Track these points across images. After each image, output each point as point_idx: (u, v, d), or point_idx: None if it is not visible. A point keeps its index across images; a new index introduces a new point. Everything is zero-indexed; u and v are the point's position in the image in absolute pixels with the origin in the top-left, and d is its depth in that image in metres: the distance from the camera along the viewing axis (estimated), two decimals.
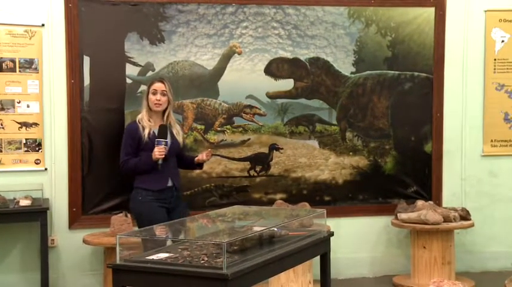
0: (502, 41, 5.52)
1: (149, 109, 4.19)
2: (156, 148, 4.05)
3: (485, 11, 5.50)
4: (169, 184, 4.16)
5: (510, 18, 5.51)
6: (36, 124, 4.87)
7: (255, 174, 5.24)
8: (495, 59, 5.53)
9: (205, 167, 5.09)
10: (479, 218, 5.41)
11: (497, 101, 5.54)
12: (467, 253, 5.52)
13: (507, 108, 5.55)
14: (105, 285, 4.65)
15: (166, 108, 4.20)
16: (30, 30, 4.84)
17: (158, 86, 4.18)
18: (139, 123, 4.17)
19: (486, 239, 5.56)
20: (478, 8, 5.48)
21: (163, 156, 4.05)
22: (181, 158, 4.31)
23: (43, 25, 4.87)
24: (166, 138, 4.10)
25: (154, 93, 4.17)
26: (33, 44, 4.85)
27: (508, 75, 5.53)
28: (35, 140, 4.88)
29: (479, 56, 5.52)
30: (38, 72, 4.86)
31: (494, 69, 5.53)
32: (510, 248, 5.48)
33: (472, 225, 5.13)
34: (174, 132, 4.22)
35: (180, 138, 4.24)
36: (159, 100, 4.16)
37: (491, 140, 5.56)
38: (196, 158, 4.29)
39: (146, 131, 4.12)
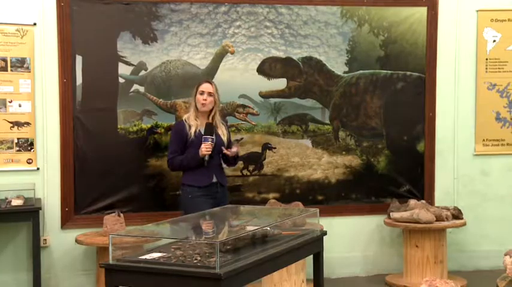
0: (494, 41, 5.54)
1: (196, 109, 4.34)
2: (203, 144, 4.23)
3: (477, 11, 5.52)
4: (214, 180, 4.34)
5: (502, 18, 5.54)
6: (28, 124, 4.85)
7: (248, 173, 5.24)
8: (487, 59, 5.55)
9: None
10: (471, 217, 5.43)
11: (489, 101, 5.56)
12: (460, 252, 5.55)
13: (499, 107, 5.58)
14: (98, 285, 4.64)
15: (212, 109, 4.35)
16: (22, 29, 4.82)
17: (206, 87, 4.35)
18: (186, 121, 4.34)
19: (478, 238, 5.58)
20: (470, 7, 5.51)
21: (210, 152, 4.23)
22: (225, 156, 4.42)
23: (35, 24, 4.84)
24: (212, 135, 4.26)
25: (202, 94, 4.34)
26: (25, 43, 4.83)
27: (499, 74, 5.55)
28: (27, 140, 4.86)
29: (471, 56, 5.54)
30: (29, 72, 4.84)
31: (486, 68, 5.55)
32: (502, 246, 5.48)
33: (464, 224, 5.15)
34: (219, 132, 4.37)
35: (224, 139, 4.39)
36: (206, 100, 4.32)
37: (483, 140, 5.58)
38: (223, 151, 4.35)
39: (193, 130, 4.30)
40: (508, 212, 5.62)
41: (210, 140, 4.23)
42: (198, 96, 4.35)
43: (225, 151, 4.33)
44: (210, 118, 4.36)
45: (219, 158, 4.42)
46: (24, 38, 4.83)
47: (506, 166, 5.62)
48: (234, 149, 4.37)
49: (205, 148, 4.22)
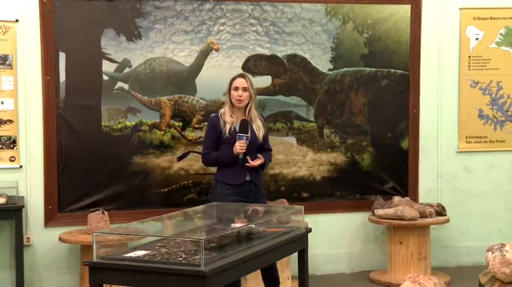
0: (476, 39, 5.59)
1: (231, 105, 4.24)
2: (237, 142, 4.12)
3: (460, 9, 5.56)
4: (247, 178, 4.23)
5: (484, 16, 5.58)
6: (10, 121, 4.80)
7: None
8: (470, 56, 5.59)
9: (183, 164, 5.09)
10: (455, 213, 5.48)
11: (472, 98, 5.61)
12: (443, 248, 5.59)
13: (481, 105, 5.63)
14: (82, 283, 4.61)
15: (248, 103, 4.24)
16: (4, 25, 4.77)
17: (240, 82, 4.24)
18: (221, 117, 4.23)
19: (461, 234, 5.63)
20: (452, 5, 5.55)
21: (244, 151, 4.13)
22: (262, 153, 4.32)
23: (17, 20, 4.80)
24: (247, 133, 4.16)
25: (236, 89, 4.22)
26: (7, 40, 4.78)
27: (482, 72, 5.60)
28: (10, 137, 4.81)
29: (454, 53, 5.58)
30: (12, 69, 4.80)
31: (469, 66, 5.60)
32: (484, 243, 5.54)
33: (448, 221, 5.20)
34: (255, 127, 4.27)
35: (260, 134, 4.28)
36: (241, 96, 4.21)
37: (466, 137, 5.63)
38: (246, 164, 4.21)
39: (227, 127, 4.19)
40: (490, 208, 5.67)
41: (244, 138, 4.12)
42: (233, 92, 4.22)
43: (247, 164, 4.17)
44: (247, 113, 4.25)
45: (255, 156, 4.26)
46: (7, 35, 4.78)
47: (488, 162, 5.67)
48: (258, 162, 4.22)
49: (240, 146, 4.12)
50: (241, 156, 4.16)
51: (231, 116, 4.23)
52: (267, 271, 4.07)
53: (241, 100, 4.21)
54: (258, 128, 4.29)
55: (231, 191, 4.19)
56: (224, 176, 4.23)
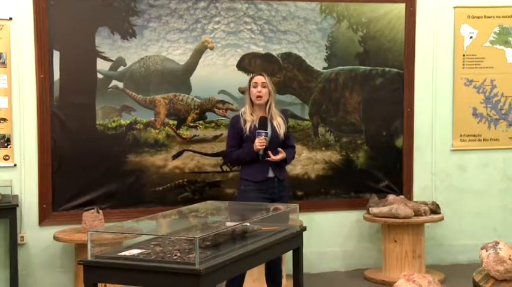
0: (471, 37, 5.60)
1: (251, 103, 4.29)
2: (256, 139, 4.16)
3: (454, 8, 5.57)
4: (271, 175, 4.24)
5: (478, 15, 5.60)
6: (4, 120, 4.79)
7: (228, 169, 5.23)
8: (464, 55, 5.61)
9: (178, 162, 5.09)
10: (449, 211, 5.50)
11: (466, 96, 5.63)
12: (437, 246, 5.61)
13: (476, 103, 5.65)
14: (77, 282, 4.60)
15: (268, 101, 4.28)
16: None
17: (258, 79, 4.29)
18: (242, 116, 4.28)
19: (455, 232, 5.65)
20: (447, 4, 5.56)
21: (264, 147, 4.16)
22: (284, 150, 4.31)
23: (11, 18, 4.78)
24: (266, 130, 4.19)
25: (255, 87, 4.27)
26: (1, 38, 4.76)
27: (476, 70, 5.62)
28: (4, 136, 4.80)
29: (449, 52, 5.60)
30: (6, 67, 4.78)
31: (463, 65, 5.61)
32: (478, 241, 5.57)
33: (442, 219, 5.21)
34: (275, 124, 4.29)
35: (281, 131, 4.30)
36: (260, 92, 4.25)
37: (461, 135, 5.65)
38: (266, 159, 4.22)
39: (248, 125, 4.23)
40: (484, 206, 5.69)
41: (263, 134, 4.15)
42: (252, 89, 4.27)
43: (268, 158, 4.18)
44: (267, 111, 4.28)
45: (277, 152, 4.25)
46: (0, 33, 4.76)
47: (482, 161, 5.69)
48: (279, 156, 4.21)
49: (259, 143, 4.14)
50: (261, 152, 4.18)
51: (251, 114, 4.27)
52: (270, 270, 4.08)
53: (261, 97, 4.25)
54: (279, 125, 4.31)
55: (254, 187, 4.20)
56: (247, 173, 4.26)
